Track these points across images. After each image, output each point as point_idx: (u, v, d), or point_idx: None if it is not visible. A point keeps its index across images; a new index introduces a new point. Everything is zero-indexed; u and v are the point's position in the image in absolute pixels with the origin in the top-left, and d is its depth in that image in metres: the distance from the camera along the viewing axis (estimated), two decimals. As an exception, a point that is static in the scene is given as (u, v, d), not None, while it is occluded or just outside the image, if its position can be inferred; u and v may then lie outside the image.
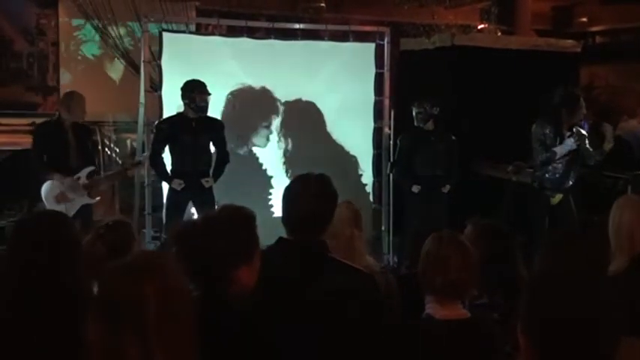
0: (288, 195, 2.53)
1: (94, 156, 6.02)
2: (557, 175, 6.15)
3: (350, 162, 7.30)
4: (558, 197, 6.12)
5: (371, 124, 7.26)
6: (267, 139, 7.04)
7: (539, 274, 1.77)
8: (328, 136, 7.22)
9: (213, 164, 6.08)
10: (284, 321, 2.30)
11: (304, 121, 7.16)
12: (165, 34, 6.55)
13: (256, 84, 6.90)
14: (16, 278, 2.28)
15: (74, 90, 6.27)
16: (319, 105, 7.14)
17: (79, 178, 5.82)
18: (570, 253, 2.28)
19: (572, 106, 6.03)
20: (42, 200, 5.76)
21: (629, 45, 11.49)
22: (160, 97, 6.42)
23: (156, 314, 1.58)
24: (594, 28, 12.49)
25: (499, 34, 9.93)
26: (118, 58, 9.41)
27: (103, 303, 1.63)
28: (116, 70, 9.99)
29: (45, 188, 5.73)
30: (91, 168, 5.93)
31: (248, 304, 2.17)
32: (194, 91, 5.86)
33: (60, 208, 5.43)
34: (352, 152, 7.31)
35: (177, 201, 5.94)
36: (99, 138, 9.56)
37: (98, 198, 6.07)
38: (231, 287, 2.13)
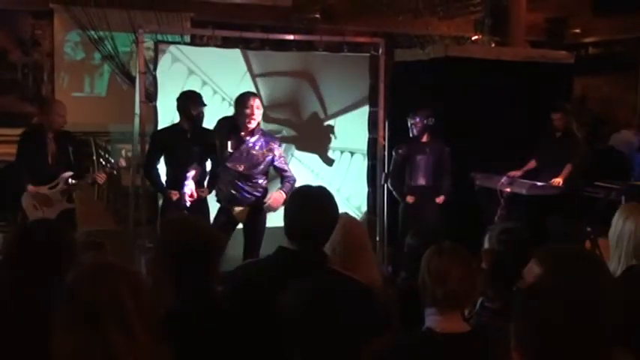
0: (291, 207, 2.54)
1: (76, 162, 6.09)
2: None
3: (344, 172, 7.30)
4: (240, 211, 5.89)
5: (365, 135, 7.27)
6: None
7: (529, 290, 1.77)
8: (323, 147, 7.23)
9: (207, 175, 6.09)
10: (281, 329, 2.31)
11: (298, 132, 7.18)
12: (160, 45, 6.58)
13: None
14: (12, 285, 2.30)
15: (54, 98, 6.39)
16: (314, 116, 7.16)
17: (57, 184, 5.94)
18: (559, 268, 2.27)
19: None
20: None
21: (622, 56, 11.56)
22: (155, 108, 6.44)
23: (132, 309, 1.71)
24: (588, 40, 12.56)
25: (493, 45, 9.97)
26: (113, 69, 9.43)
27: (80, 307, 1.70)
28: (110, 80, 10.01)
29: (23, 197, 5.90)
30: (69, 174, 6.00)
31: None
32: (189, 102, 5.87)
33: (38, 214, 5.66)
34: (346, 162, 7.32)
35: (172, 212, 5.93)
36: (93, 148, 9.57)
37: (75, 204, 6.13)
38: None
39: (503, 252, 3.02)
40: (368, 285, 2.63)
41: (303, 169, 7.05)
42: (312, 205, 2.49)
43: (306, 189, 2.61)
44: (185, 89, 6.10)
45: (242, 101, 5.85)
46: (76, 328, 1.68)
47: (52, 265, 2.31)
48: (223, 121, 6.03)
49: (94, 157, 9.49)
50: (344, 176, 7.26)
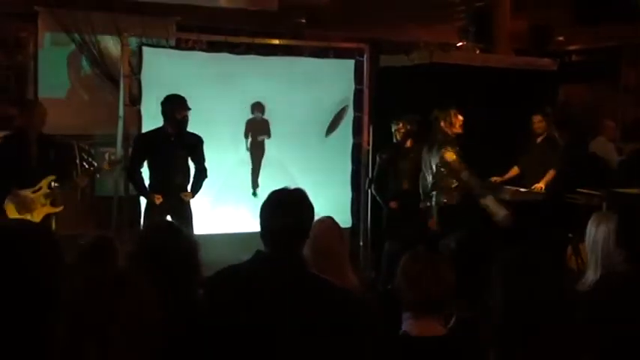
0: (266, 209, 2.53)
1: (58, 166, 6.02)
2: None
3: (328, 177, 7.31)
4: None
5: (350, 140, 7.29)
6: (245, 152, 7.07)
7: (504, 299, 1.78)
8: (307, 151, 7.24)
9: (191, 179, 6.08)
10: (261, 335, 2.30)
11: (282, 137, 7.18)
12: (144, 49, 6.57)
13: (234, 99, 6.93)
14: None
15: (33, 100, 6.33)
16: (298, 120, 7.17)
17: (40, 188, 5.86)
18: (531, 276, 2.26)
19: None
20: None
21: (604, 64, 11.67)
22: (139, 112, 6.43)
23: (122, 330, 1.61)
24: (571, 47, 12.65)
25: (477, 51, 10.00)
26: (97, 72, 9.37)
27: (72, 311, 1.65)
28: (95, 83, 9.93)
29: (6, 201, 5.80)
30: (52, 178, 5.93)
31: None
32: (174, 106, 5.86)
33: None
34: (331, 167, 7.33)
35: (155, 215, 5.92)
36: (76, 151, 9.50)
37: (61, 207, 6.05)
38: None
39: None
40: (345, 289, 2.63)
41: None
42: (285, 208, 2.48)
43: (281, 192, 2.58)
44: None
45: (448, 113, 6.18)
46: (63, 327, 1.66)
47: (31, 269, 2.28)
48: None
49: (77, 161, 9.43)
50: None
